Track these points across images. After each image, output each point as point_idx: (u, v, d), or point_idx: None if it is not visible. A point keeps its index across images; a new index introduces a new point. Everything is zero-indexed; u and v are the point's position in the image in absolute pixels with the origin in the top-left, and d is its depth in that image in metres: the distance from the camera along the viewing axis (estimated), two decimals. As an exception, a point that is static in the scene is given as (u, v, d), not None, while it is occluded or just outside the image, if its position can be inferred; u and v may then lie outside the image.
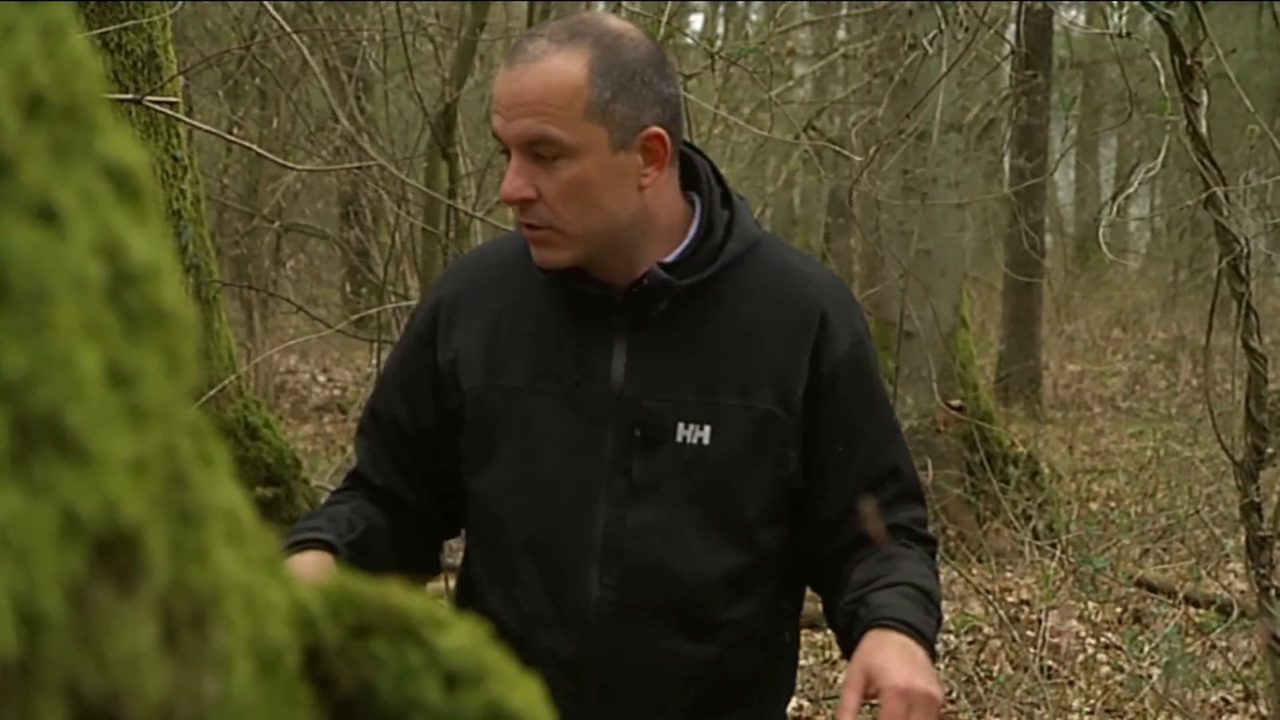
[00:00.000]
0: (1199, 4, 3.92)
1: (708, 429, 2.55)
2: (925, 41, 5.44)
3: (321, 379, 15.20)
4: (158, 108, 3.32)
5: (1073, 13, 18.61)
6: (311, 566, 2.48)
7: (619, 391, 2.58)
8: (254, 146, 5.48)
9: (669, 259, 2.57)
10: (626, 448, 2.57)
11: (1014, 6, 9.38)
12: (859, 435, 2.61)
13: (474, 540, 2.75)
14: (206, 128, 5.10)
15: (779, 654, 2.74)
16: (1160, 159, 4.10)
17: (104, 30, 3.77)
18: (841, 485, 2.61)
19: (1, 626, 0.62)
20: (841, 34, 15.98)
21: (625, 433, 2.57)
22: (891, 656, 2.38)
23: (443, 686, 0.84)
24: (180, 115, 3.64)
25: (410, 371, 2.75)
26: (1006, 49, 10.08)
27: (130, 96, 3.30)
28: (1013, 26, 12.17)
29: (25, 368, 0.65)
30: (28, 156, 0.69)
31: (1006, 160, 15.01)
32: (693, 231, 2.60)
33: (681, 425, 2.55)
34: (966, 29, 5.56)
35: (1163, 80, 3.92)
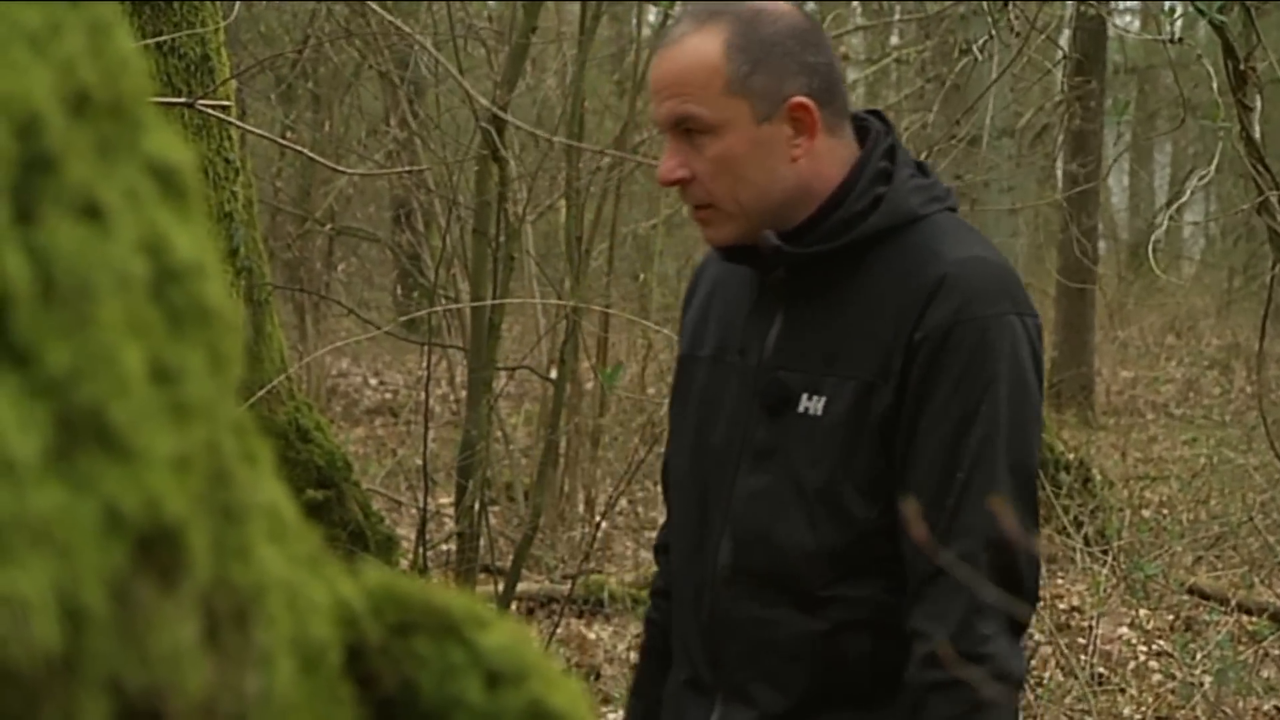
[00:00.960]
0: (1252, 9, 3.90)
1: (823, 401, 2.54)
2: (976, 48, 5.43)
3: (373, 382, 15.23)
4: (210, 110, 3.34)
5: (1127, 18, 18.53)
6: None
7: (764, 362, 2.62)
8: (304, 150, 5.51)
9: (790, 227, 2.58)
10: (759, 417, 2.61)
11: (1068, 12, 9.35)
12: (935, 421, 2.48)
13: None
14: (258, 131, 5.12)
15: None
16: (1214, 166, 4.07)
17: (158, 34, 3.79)
18: (909, 475, 2.50)
19: (44, 621, 0.63)
20: (895, 39, 15.94)
21: (759, 402, 2.62)
22: None
23: (484, 685, 0.85)
24: (232, 119, 3.66)
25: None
26: (1060, 54, 10.03)
27: (182, 99, 3.32)
28: (1067, 31, 12.12)
29: (69, 364, 0.66)
30: (73, 154, 0.69)
31: (1060, 165, 14.94)
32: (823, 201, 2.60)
33: (805, 396, 2.56)
34: (1018, 34, 5.55)
35: (1215, 86, 3.89)
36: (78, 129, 0.70)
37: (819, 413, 2.54)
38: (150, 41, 3.62)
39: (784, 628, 2.59)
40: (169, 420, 0.69)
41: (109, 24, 0.73)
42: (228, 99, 3.75)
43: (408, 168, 8.73)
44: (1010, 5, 5.14)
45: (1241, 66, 3.87)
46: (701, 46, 2.52)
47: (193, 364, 0.71)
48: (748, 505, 2.61)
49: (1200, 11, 3.69)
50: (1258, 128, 3.93)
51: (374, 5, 5.16)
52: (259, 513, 0.76)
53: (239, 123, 3.87)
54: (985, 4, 4.98)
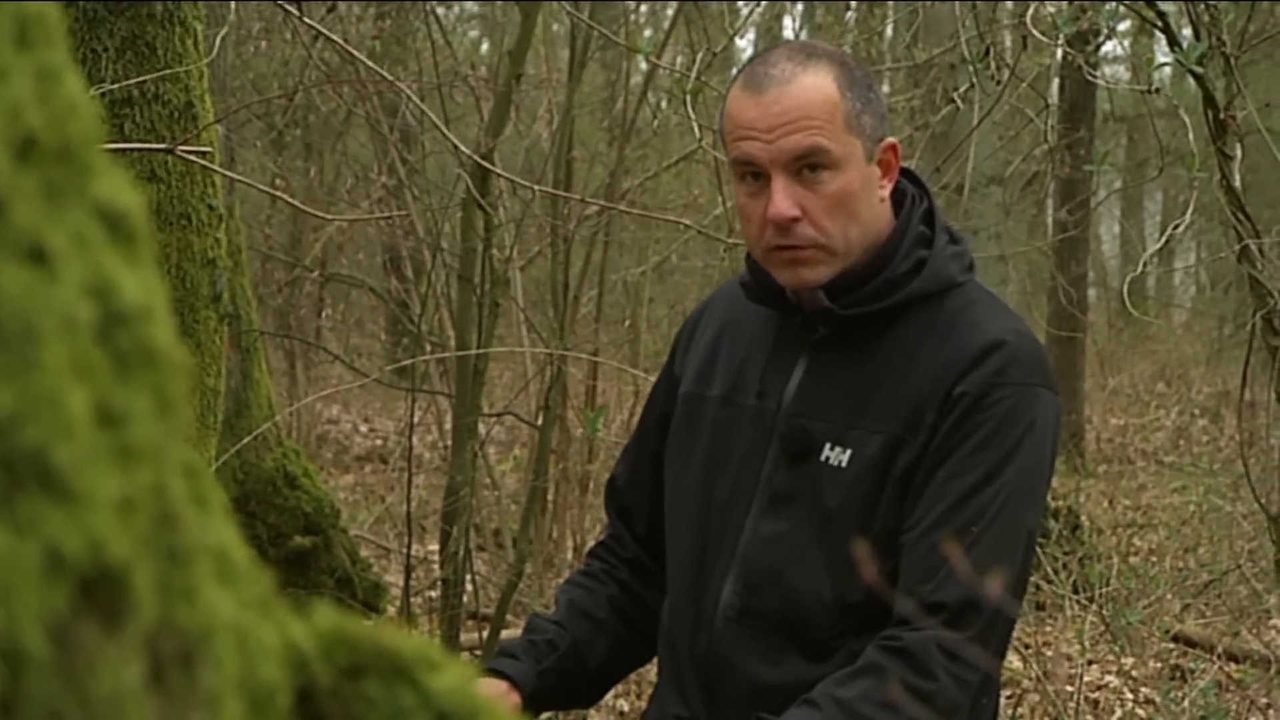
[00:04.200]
0: (1232, 59, 3.92)
1: (849, 453, 2.57)
2: (958, 96, 5.46)
3: (363, 429, 15.22)
4: (190, 157, 3.35)
5: (1118, 67, 18.59)
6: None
7: (784, 408, 2.63)
8: (286, 197, 5.52)
9: (833, 280, 2.60)
10: (777, 462, 2.63)
11: (1056, 61, 9.38)
12: (957, 472, 2.51)
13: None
14: (241, 178, 5.13)
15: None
16: (1189, 214, 4.10)
17: (141, 82, 3.80)
18: (917, 515, 2.52)
19: (-17, 662, 0.63)
20: (885, 88, 15.98)
21: (780, 448, 2.63)
22: None
23: (434, 728, 0.85)
24: (213, 165, 3.67)
25: (658, 397, 2.90)
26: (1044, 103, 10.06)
27: (163, 146, 3.33)
28: (1057, 80, 12.15)
29: (12, 407, 0.66)
30: (19, 198, 0.69)
31: (1050, 213, 14.98)
32: (863, 258, 2.62)
33: (828, 446, 2.59)
34: (999, 83, 5.57)
35: (1191, 136, 3.92)
36: (24, 173, 0.70)
37: (843, 464, 2.57)
38: (132, 83, 3.64)
39: (788, 672, 2.61)
40: (114, 463, 0.70)
41: (57, 69, 0.73)
42: (210, 145, 3.76)
43: (388, 214, 8.75)
44: (992, 54, 5.18)
45: (1221, 115, 3.90)
46: (818, 83, 2.54)
47: (139, 407, 0.72)
48: (761, 548, 2.63)
49: (1180, 62, 3.71)
50: (1238, 176, 3.95)
51: (358, 55, 5.18)
52: (207, 555, 0.76)
53: (221, 169, 3.88)
54: (967, 53, 5.01)
